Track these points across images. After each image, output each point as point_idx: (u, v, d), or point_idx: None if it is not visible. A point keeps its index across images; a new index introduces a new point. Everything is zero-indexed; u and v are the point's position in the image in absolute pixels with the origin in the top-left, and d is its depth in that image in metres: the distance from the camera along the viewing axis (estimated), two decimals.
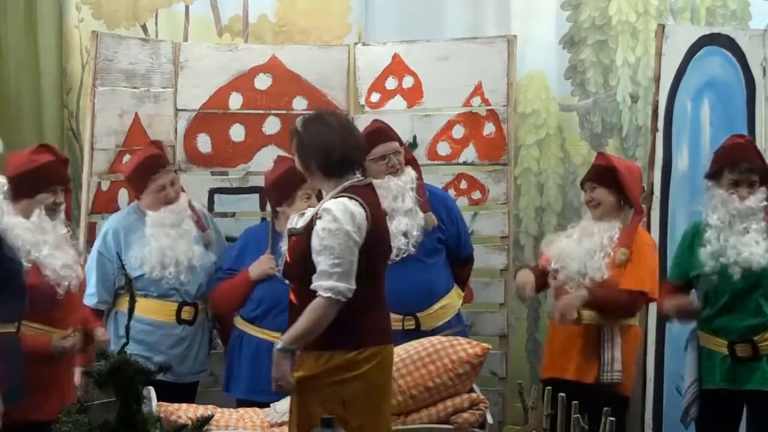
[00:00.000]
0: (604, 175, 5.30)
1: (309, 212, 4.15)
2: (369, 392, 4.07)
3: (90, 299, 5.17)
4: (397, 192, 5.25)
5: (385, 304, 4.20)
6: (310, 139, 4.11)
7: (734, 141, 5.05)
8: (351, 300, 3.99)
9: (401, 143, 5.43)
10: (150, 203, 5.31)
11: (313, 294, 3.99)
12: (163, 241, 5.26)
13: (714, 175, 4.95)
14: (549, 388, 4.65)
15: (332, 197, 4.06)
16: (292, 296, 4.16)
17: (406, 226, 5.27)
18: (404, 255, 5.21)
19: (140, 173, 5.34)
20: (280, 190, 5.32)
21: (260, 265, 5.32)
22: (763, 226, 4.86)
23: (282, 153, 5.81)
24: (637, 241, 5.22)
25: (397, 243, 5.14)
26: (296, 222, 4.19)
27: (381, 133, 5.35)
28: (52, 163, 4.70)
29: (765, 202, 4.89)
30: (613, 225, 5.28)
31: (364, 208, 4.03)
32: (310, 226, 4.05)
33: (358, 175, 4.14)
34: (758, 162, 4.94)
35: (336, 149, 4.08)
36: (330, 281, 3.95)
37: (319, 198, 5.11)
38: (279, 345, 4.03)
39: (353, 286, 3.98)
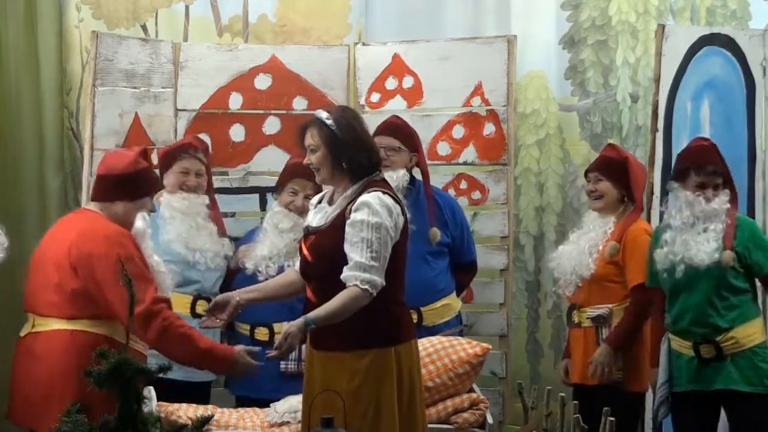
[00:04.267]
0: (613, 167, 5.29)
1: (329, 210, 4.12)
2: (410, 383, 4.11)
3: None
4: None
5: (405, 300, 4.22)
6: (346, 133, 4.07)
7: (699, 143, 5.07)
8: (390, 296, 4.01)
9: (415, 150, 5.41)
10: (171, 183, 5.31)
11: (338, 289, 3.96)
12: (182, 228, 5.23)
13: (679, 176, 4.97)
14: (548, 388, 4.66)
15: (361, 191, 4.03)
16: (309, 294, 4.14)
17: None
18: None
19: (170, 152, 5.38)
20: (278, 179, 5.46)
21: (235, 257, 5.39)
22: (720, 228, 4.88)
23: (282, 153, 5.83)
24: (631, 233, 5.20)
25: None
26: (315, 221, 4.17)
27: (388, 127, 5.38)
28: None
29: (727, 205, 4.92)
30: (608, 220, 5.29)
31: (399, 203, 4.06)
32: (338, 223, 4.03)
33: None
34: (721, 165, 4.97)
35: (370, 146, 4.11)
36: (368, 274, 3.94)
37: (307, 198, 5.14)
38: (309, 319, 3.96)
39: (383, 282, 3.97)
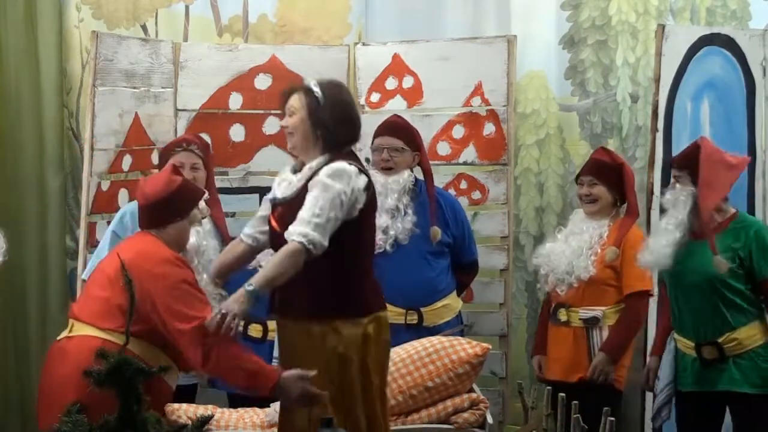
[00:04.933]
0: (606, 171, 5.30)
1: (295, 180, 4.11)
2: (384, 353, 4.13)
3: None
4: (381, 189, 5.20)
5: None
6: (331, 105, 4.07)
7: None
8: (355, 266, 4.02)
9: (417, 149, 5.41)
10: None
11: (308, 262, 3.94)
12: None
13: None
14: (548, 387, 4.66)
15: (326, 163, 4.03)
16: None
17: (385, 223, 5.27)
18: (380, 251, 5.16)
19: (166, 149, 5.36)
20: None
21: None
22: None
23: (282, 153, 5.82)
24: (630, 239, 5.22)
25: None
26: (280, 192, 4.16)
27: (389, 127, 5.39)
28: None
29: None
30: (602, 223, 5.30)
31: (365, 174, 4.06)
32: (303, 193, 4.03)
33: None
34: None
35: (353, 124, 4.11)
36: (308, 229, 3.92)
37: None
38: (250, 287, 3.89)
39: (325, 243, 3.93)
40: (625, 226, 5.26)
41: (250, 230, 4.32)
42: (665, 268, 4.92)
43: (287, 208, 4.08)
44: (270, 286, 3.95)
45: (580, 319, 5.25)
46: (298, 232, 3.93)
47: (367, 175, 4.09)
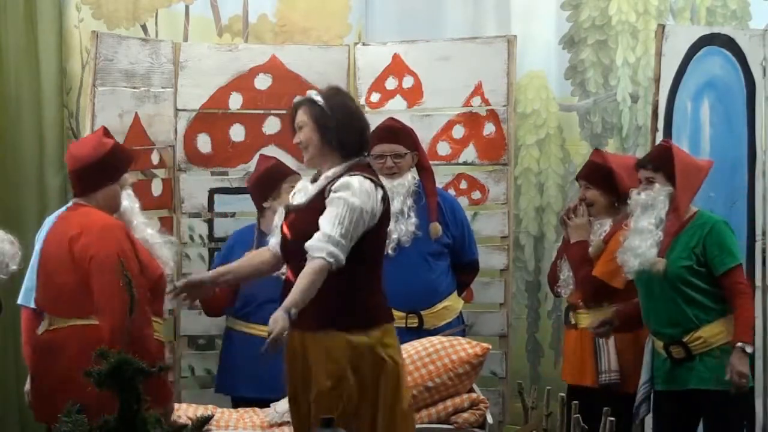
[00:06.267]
0: (598, 175, 5.31)
1: (311, 188, 4.12)
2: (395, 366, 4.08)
3: None
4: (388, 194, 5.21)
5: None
6: (336, 111, 4.07)
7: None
8: (363, 279, 4.02)
9: (416, 148, 5.42)
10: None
11: None
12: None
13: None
14: (548, 387, 4.67)
15: (345, 173, 4.03)
16: (290, 274, 4.09)
17: (390, 226, 5.27)
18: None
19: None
20: (266, 184, 5.39)
21: None
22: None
23: (282, 153, 5.83)
24: (618, 234, 5.23)
25: None
26: (295, 200, 4.17)
27: (388, 132, 5.37)
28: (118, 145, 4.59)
29: None
30: (604, 222, 5.31)
31: (381, 188, 4.06)
32: (317, 202, 4.03)
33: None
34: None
35: (361, 126, 4.10)
36: (335, 248, 3.92)
37: None
38: (287, 309, 3.90)
39: (344, 261, 3.94)
40: (619, 224, 5.27)
41: (273, 240, 4.32)
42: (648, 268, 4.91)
43: (298, 216, 4.09)
44: (304, 303, 3.94)
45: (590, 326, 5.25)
46: (323, 249, 3.92)
47: (383, 188, 4.08)
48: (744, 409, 4.99)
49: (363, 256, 4.02)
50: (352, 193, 3.96)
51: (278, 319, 3.87)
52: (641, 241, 4.87)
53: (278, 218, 5.26)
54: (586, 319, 5.25)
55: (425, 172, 5.45)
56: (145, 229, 4.52)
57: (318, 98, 4.10)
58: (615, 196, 5.31)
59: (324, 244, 3.92)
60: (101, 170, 4.38)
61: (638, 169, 4.99)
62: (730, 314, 4.82)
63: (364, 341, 4.01)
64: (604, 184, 5.30)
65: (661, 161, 4.91)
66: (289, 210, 4.16)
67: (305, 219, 4.03)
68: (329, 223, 3.94)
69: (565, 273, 5.35)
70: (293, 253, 4.08)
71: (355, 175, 4.02)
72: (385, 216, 4.10)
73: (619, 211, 5.32)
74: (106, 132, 4.54)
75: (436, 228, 5.36)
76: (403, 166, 5.36)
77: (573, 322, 5.32)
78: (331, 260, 3.92)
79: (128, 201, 4.50)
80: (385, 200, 4.08)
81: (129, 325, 3.95)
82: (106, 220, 4.32)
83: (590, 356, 5.21)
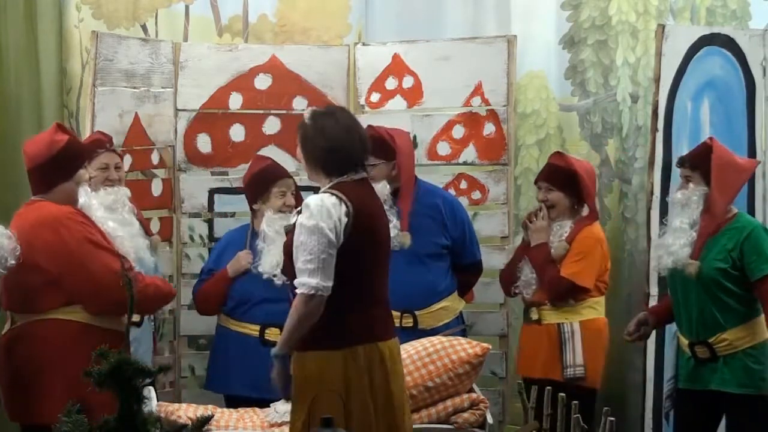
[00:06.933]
0: (561, 177, 5.34)
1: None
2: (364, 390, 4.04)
3: None
4: None
5: (377, 300, 4.13)
6: (315, 133, 4.08)
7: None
8: (334, 298, 3.96)
9: (393, 158, 5.37)
10: (94, 181, 5.02)
11: None
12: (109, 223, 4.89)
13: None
14: (549, 388, 4.66)
15: (327, 190, 4.04)
16: (291, 295, 4.12)
17: None
18: None
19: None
20: (256, 186, 5.39)
21: (237, 261, 5.37)
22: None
23: (282, 153, 5.83)
24: (580, 235, 5.28)
25: None
26: (291, 220, 4.19)
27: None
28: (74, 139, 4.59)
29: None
30: (564, 224, 5.35)
31: (345, 203, 3.99)
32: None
33: (360, 173, 4.12)
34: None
35: (337, 146, 4.06)
36: (303, 277, 3.94)
37: (297, 196, 5.20)
38: (274, 351, 4.05)
39: (329, 283, 3.94)
40: (581, 224, 5.31)
41: None
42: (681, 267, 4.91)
43: (288, 237, 4.10)
44: (290, 343, 4.02)
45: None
46: (298, 282, 3.96)
47: (349, 203, 3.99)
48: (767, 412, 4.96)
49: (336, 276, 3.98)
50: (309, 215, 3.96)
51: (276, 367, 4.04)
52: (674, 239, 4.89)
53: (265, 223, 5.30)
54: (551, 316, 5.32)
55: (403, 182, 5.40)
56: (106, 222, 4.52)
57: (307, 120, 4.13)
58: (576, 197, 5.35)
59: (299, 279, 3.96)
60: (55, 168, 4.38)
61: (677, 166, 5.01)
62: (756, 318, 4.83)
63: (324, 365, 4.00)
64: (567, 186, 5.33)
65: (699, 160, 4.91)
66: (286, 231, 4.19)
67: (290, 241, 4.06)
68: (296, 252, 3.98)
69: (527, 274, 5.42)
70: (289, 275, 4.12)
71: (323, 192, 4.02)
72: (357, 231, 4.00)
73: (579, 213, 5.37)
74: (60, 128, 4.53)
75: (404, 237, 5.35)
76: (375, 176, 5.25)
77: (536, 318, 5.37)
78: (304, 290, 3.94)
79: (85, 197, 4.49)
80: (354, 215, 3.99)
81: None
82: (58, 211, 4.33)
83: (557, 350, 5.24)
